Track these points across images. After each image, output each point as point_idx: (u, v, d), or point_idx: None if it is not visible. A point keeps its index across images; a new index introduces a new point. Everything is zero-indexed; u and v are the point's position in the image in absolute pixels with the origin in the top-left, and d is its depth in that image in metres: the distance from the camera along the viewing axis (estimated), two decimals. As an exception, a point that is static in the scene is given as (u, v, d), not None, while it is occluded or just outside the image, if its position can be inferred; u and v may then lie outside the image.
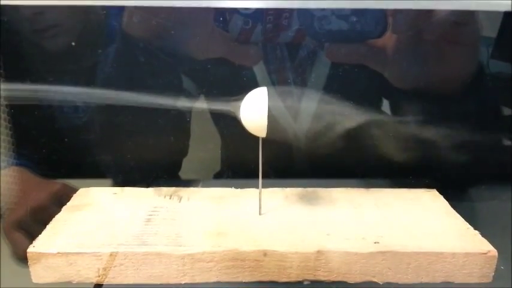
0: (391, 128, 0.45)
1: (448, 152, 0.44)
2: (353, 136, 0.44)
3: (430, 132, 0.44)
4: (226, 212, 0.38)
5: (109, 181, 0.51)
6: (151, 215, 0.38)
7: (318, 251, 0.33)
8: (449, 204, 0.41)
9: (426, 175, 0.46)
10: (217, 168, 0.62)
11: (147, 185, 0.44)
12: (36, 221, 0.40)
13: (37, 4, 0.51)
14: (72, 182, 0.47)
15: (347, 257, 0.33)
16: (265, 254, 0.33)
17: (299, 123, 0.52)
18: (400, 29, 0.43)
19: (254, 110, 0.33)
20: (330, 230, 0.36)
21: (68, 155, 0.59)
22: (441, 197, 0.42)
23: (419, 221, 0.37)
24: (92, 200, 0.40)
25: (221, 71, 0.49)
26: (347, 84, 0.49)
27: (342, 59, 0.48)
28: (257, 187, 0.38)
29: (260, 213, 0.38)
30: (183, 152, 0.56)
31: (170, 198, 0.41)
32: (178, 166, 0.57)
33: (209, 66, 0.49)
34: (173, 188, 0.43)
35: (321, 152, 0.45)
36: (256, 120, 0.34)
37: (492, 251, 0.34)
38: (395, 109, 0.49)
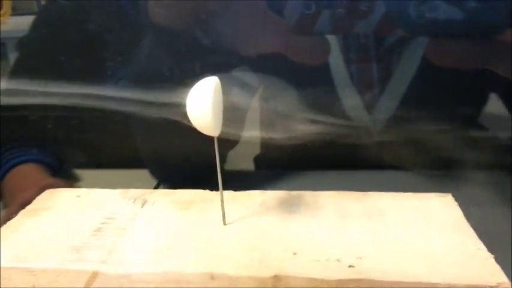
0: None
1: None
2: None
3: None
4: (187, 221, 0.33)
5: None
6: (104, 223, 0.34)
7: (275, 276, 0.27)
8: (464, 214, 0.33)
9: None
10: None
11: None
12: None
13: None
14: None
15: (310, 285, 0.27)
16: (212, 277, 0.28)
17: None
18: None
19: (198, 105, 0.28)
20: (300, 247, 0.29)
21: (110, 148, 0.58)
22: (455, 205, 0.34)
23: (416, 237, 0.30)
24: (53, 204, 0.37)
25: (280, 65, 0.40)
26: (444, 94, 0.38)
27: (452, 62, 0.35)
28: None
29: (225, 223, 0.33)
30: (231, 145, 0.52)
31: (134, 202, 0.36)
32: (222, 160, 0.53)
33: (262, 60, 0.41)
34: (142, 190, 0.38)
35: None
36: (201, 116, 0.28)
37: (505, 283, 0.26)
38: None
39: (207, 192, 0.37)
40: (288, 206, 0.35)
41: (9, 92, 0.55)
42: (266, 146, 0.64)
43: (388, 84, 0.44)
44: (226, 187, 0.36)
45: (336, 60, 0.43)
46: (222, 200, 0.32)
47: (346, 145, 0.44)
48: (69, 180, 0.61)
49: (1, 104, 0.58)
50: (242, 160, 0.63)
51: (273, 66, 0.43)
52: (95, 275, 0.29)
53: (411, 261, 0.28)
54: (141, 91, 0.46)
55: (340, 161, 0.50)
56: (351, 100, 0.45)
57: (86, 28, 0.56)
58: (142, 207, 0.36)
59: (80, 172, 0.65)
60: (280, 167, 0.59)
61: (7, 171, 0.58)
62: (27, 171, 0.58)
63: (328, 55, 0.40)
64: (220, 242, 0.31)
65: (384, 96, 0.45)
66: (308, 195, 0.36)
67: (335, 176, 0.50)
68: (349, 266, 0.27)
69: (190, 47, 0.43)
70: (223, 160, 0.54)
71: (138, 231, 0.32)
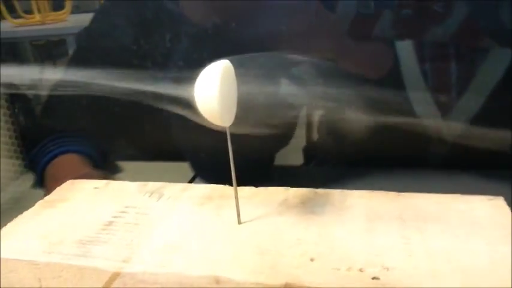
0: None
1: None
2: None
3: None
4: (200, 218, 0.31)
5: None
6: (116, 217, 0.32)
7: (286, 284, 0.24)
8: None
9: None
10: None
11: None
12: None
13: None
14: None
15: (325, 297, 0.24)
16: (217, 281, 0.25)
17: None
18: None
19: (204, 91, 0.25)
20: (318, 253, 0.26)
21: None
22: (507, 210, 0.29)
23: (457, 247, 0.26)
24: (71, 195, 0.36)
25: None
26: None
27: None
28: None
29: (239, 222, 0.30)
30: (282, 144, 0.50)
31: (150, 196, 0.35)
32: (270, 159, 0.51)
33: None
34: (160, 183, 0.36)
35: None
36: (207, 104, 0.25)
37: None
38: None
39: (226, 187, 0.35)
40: (311, 206, 0.31)
41: (62, 83, 0.55)
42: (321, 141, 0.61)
43: (467, 88, 0.39)
44: (280, 183, 0.33)
45: (408, 58, 0.37)
46: (236, 197, 0.30)
47: (416, 146, 0.40)
48: (110, 172, 0.60)
49: (52, 94, 0.59)
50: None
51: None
52: (97, 271, 0.27)
53: (448, 275, 0.24)
54: (181, 85, 0.44)
55: (408, 161, 0.46)
56: (423, 102, 0.40)
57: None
58: (157, 201, 0.34)
59: (124, 164, 0.64)
60: (335, 160, 0.56)
61: (50, 160, 0.59)
62: (67, 162, 0.59)
63: (389, 66, 0.33)
64: (231, 243, 0.28)
65: (461, 101, 0.40)
66: (336, 194, 0.33)
67: (397, 175, 0.46)
68: (373, 278, 0.24)
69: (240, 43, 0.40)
70: (271, 159, 0.51)
71: (148, 227, 0.30)
